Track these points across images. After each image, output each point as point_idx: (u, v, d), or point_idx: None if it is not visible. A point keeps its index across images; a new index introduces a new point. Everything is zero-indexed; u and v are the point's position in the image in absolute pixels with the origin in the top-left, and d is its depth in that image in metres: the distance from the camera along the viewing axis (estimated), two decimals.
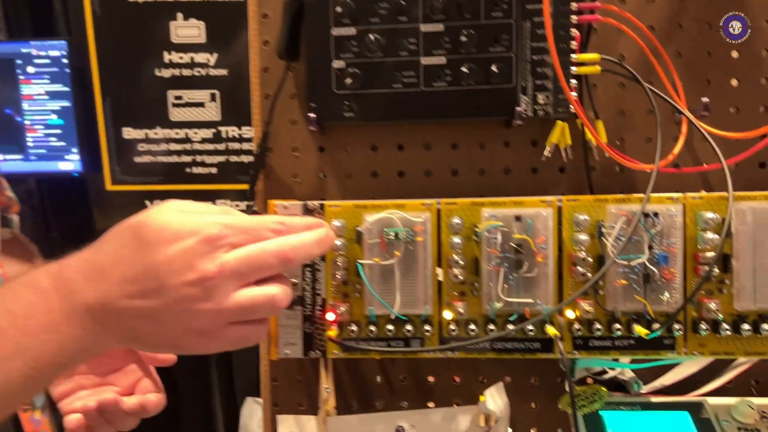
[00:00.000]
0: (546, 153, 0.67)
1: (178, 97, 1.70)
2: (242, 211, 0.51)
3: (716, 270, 0.57)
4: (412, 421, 0.70)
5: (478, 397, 0.70)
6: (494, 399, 0.69)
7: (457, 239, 0.60)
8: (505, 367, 0.72)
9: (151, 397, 0.58)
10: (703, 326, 0.57)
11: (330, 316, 0.62)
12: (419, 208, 0.61)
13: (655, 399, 0.65)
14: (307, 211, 0.63)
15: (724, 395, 0.67)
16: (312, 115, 0.67)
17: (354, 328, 0.61)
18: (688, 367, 0.68)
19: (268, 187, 0.73)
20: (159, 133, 1.67)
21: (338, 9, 0.65)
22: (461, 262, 0.60)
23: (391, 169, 0.71)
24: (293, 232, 0.48)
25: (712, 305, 0.57)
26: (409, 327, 0.60)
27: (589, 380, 0.70)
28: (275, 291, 0.46)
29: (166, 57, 1.67)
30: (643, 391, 0.67)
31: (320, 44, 0.66)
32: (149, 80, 1.65)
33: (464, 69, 0.65)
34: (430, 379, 0.73)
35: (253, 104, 0.73)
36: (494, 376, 0.72)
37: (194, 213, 0.44)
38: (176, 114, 1.69)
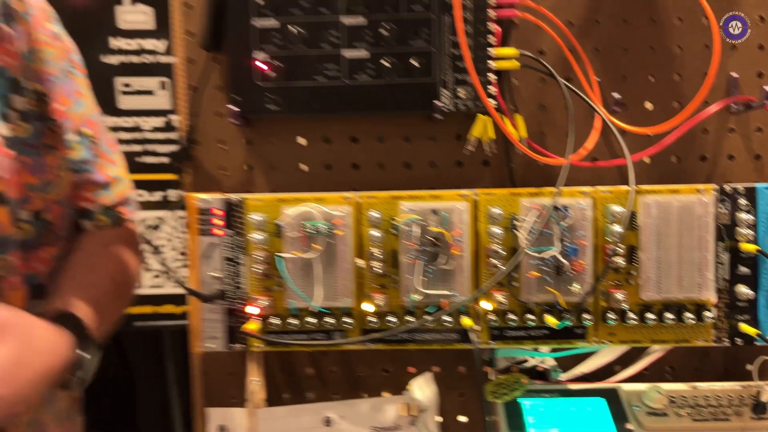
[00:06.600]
0: (468, 147, 0.68)
1: (127, 85, 1.66)
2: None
3: (622, 261, 0.59)
4: (340, 411, 0.71)
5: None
6: (421, 389, 0.71)
7: (376, 232, 0.60)
8: (434, 358, 0.73)
9: None
10: (612, 316, 0.59)
11: (252, 310, 0.62)
12: (339, 202, 0.62)
13: (573, 386, 0.68)
14: (230, 207, 0.63)
15: (642, 381, 0.69)
16: (234, 108, 0.67)
17: (276, 321, 0.61)
18: (605, 355, 0.70)
19: (195, 180, 0.72)
20: (107, 121, 1.63)
21: (259, 0, 0.65)
22: (380, 255, 0.60)
23: (318, 162, 0.72)
24: None
25: (620, 295, 0.59)
26: (330, 319, 0.61)
27: (514, 369, 0.72)
28: None
29: (113, 43, 1.63)
30: (561, 379, 0.69)
31: (242, 35, 0.66)
32: (94, 67, 1.61)
33: (385, 62, 0.65)
34: (360, 370, 0.74)
35: (179, 96, 0.72)
36: (423, 367, 0.73)
37: None
38: (125, 102, 1.65)
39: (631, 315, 0.59)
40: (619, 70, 0.69)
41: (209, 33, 0.68)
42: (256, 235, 0.61)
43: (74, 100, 0.69)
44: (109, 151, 0.73)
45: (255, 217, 0.61)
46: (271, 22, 0.65)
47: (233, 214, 0.63)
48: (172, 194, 1.61)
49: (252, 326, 0.61)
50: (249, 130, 0.71)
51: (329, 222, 0.60)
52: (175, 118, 1.67)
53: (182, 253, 1.52)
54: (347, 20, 0.65)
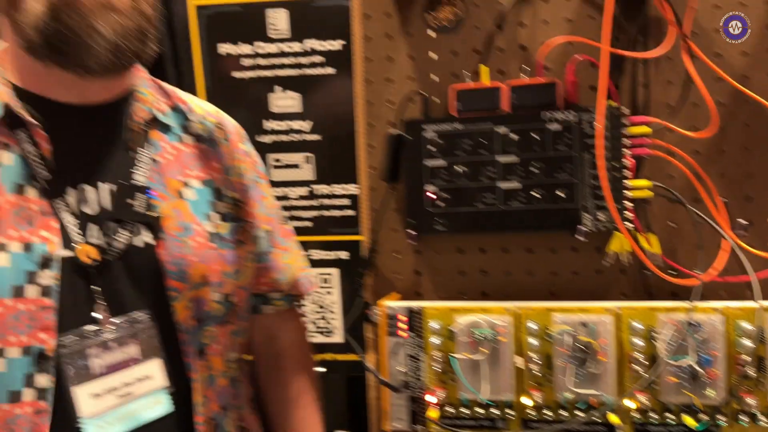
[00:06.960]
0: (607, 260, 0.80)
1: (277, 160, 1.92)
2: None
3: (752, 372, 0.68)
4: None
5: None
6: None
7: (533, 340, 0.74)
8: None
9: None
10: (744, 418, 0.68)
11: (430, 399, 0.77)
12: (501, 312, 0.76)
13: None
14: (411, 313, 0.79)
15: None
16: (411, 231, 0.83)
17: (450, 409, 0.76)
18: None
19: (375, 282, 0.90)
20: None
21: (430, 146, 0.82)
22: (537, 358, 0.74)
23: (475, 269, 0.87)
24: None
25: (751, 400, 0.68)
26: (495, 410, 0.75)
27: None
28: None
29: (266, 125, 1.90)
30: None
31: (416, 172, 0.83)
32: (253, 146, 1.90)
33: (535, 193, 0.79)
34: None
35: (363, 216, 0.90)
36: None
37: None
38: (275, 174, 1.92)
39: (762, 417, 0.68)
40: (743, 191, 0.78)
41: (388, 168, 0.86)
42: (434, 339, 0.76)
43: (260, 203, 0.88)
44: (283, 241, 0.91)
45: (433, 324, 0.77)
46: (439, 162, 0.82)
47: (414, 319, 0.79)
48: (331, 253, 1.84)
49: (432, 413, 0.76)
50: (418, 243, 0.88)
51: (493, 329, 0.75)
52: (316, 188, 1.91)
53: (321, 307, 1.73)
54: (502, 159, 0.80)
